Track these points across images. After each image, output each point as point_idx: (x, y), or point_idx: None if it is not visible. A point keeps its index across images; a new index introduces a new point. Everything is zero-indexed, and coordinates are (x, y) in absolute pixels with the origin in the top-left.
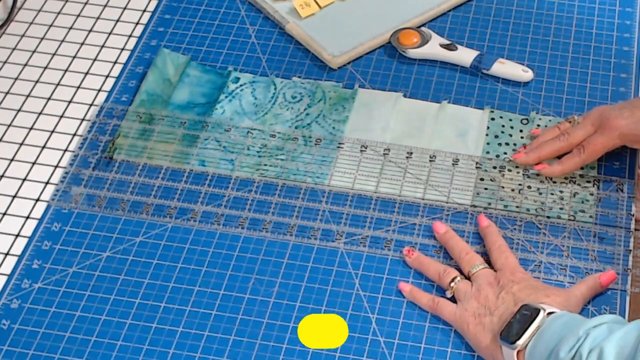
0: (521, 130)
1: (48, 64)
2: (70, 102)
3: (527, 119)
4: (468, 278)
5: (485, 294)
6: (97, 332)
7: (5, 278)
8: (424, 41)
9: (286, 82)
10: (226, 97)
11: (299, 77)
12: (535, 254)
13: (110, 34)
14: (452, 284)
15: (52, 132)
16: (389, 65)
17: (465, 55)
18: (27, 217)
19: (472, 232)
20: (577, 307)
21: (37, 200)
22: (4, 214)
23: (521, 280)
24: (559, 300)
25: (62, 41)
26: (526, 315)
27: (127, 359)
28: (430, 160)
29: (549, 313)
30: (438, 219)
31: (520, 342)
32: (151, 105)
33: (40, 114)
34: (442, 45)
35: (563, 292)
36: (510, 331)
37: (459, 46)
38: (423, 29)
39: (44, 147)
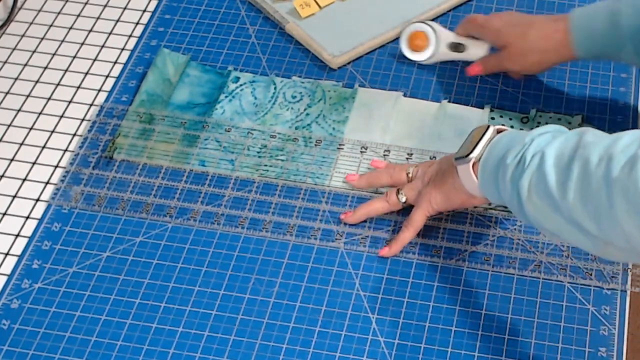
0: (521, 129)
1: (48, 64)
2: (70, 102)
3: (527, 117)
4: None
5: (429, 175)
6: (97, 332)
7: (5, 278)
8: (433, 44)
9: (286, 82)
10: (226, 97)
11: (299, 77)
12: (535, 254)
13: (110, 34)
14: (401, 196)
15: (52, 132)
16: (389, 65)
17: (476, 53)
18: (27, 217)
19: (472, 233)
20: None
21: (37, 200)
22: (4, 214)
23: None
24: None
25: (62, 41)
26: (474, 134)
27: (127, 359)
28: None
29: (498, 131)
30: (438, 220)
31: (474, 153)
32: (151, 105)
33: (40, 114)
34: (450, 47)
35: None
36: (463, 150)
37: (468, 41)
38: (430, 24)
39: (44, 147)
